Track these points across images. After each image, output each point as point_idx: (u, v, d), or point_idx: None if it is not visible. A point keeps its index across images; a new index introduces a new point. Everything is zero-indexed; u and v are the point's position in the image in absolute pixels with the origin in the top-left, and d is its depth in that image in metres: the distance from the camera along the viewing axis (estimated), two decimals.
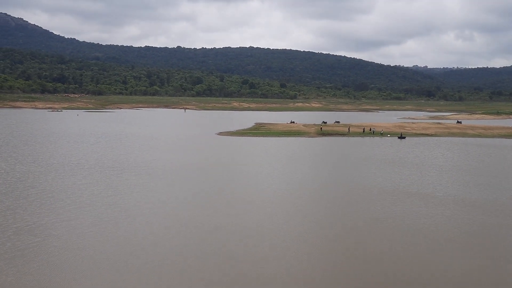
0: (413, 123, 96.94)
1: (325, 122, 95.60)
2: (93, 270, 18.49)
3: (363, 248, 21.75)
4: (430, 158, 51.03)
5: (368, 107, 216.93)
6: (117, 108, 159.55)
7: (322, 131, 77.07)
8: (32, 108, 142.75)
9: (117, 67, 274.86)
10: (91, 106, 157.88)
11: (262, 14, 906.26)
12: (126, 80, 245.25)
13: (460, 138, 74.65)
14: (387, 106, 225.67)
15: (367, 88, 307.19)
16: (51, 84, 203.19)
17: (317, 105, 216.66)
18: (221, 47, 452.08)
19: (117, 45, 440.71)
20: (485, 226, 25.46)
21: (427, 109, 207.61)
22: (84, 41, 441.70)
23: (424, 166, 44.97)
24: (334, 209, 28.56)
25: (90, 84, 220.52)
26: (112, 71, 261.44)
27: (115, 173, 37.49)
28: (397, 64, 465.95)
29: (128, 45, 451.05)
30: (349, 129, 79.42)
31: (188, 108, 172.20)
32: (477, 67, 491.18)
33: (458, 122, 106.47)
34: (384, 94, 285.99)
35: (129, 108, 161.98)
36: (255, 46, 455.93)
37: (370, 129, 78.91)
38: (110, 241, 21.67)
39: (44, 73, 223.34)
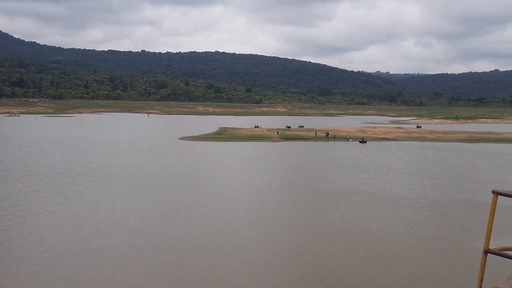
0: (374, 127, 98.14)
1: (289, 127, 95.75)
2: (29, 283, 17.33)
3: (325, 253, 21.42)
4: (389, 161, 51.60)
5: (332, 111, 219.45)
6: (78, 112, 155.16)
7: (283, 135, 76.87)
8: None
9: (78, 71, 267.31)
10: (51, 110, 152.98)
11: (226, 19, 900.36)
12: (87, 84, 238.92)
13: (420, 142, 75.92)
14: (351, 110, 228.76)
15: (331, 93, 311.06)
16: (9, 88, 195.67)
17: (283, 109, 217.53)
18: (187, 52, 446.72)
19: (79, 49, 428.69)
20: (440, 228, 25.62)
21: (389, 114, 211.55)
22: (45, 45, 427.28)
23: (383, 169, 45.35)
24: (292, 214, 28.17)
25: (50, 88, 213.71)
26: (74, 75, 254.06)
27: (66, 179, 35.99)
28: (360, 70, 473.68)
29: (91, 48, 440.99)
30: (316, 133, 79.10)
31: (152, 113, 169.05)
32: (437, 73, 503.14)
33: (418, 126, 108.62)
34: (348, 99, 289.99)
35: (90, 113, 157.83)
36: (220, 51, 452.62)
37: (328, 134, 78.52)
38: (51, 251, 20.48)
39: (2, 77, 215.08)
